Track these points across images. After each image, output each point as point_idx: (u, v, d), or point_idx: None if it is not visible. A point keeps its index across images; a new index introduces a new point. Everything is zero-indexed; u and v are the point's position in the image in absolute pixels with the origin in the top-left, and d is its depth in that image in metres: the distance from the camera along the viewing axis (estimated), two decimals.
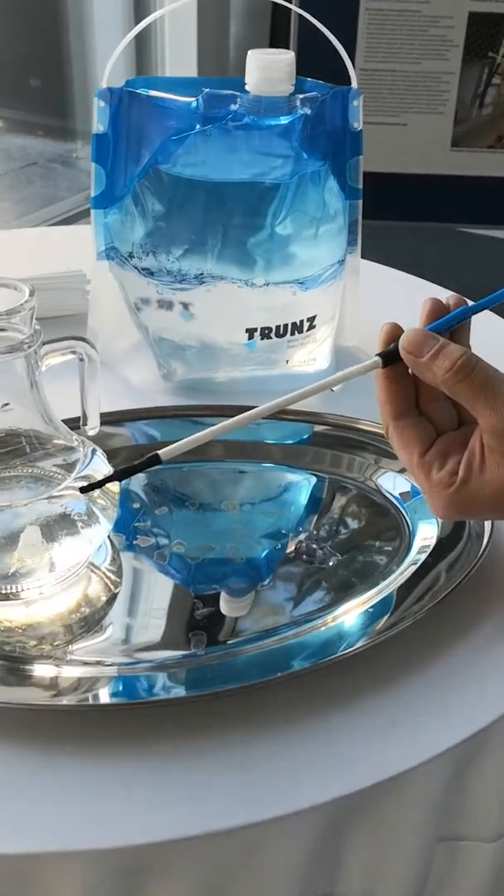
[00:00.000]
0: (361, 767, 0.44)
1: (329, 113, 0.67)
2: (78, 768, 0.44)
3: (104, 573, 0.56)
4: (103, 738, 0.45)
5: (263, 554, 0.56)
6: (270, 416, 0.62)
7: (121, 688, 0.47)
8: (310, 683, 0.47)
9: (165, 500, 0.61)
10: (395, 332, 0.47)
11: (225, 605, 0.53)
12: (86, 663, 0.48)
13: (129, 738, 0.45)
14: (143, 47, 2.17)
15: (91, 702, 0.46)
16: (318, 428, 0.64)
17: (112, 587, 0.55)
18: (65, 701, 0.46)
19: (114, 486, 0.54)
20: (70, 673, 0.48)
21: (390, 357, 0.46)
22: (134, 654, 0.49)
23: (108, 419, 0.64)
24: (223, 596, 0.53)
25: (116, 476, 0.47)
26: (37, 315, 0.80)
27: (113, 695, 0.47)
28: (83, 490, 0.48)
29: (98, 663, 0.48)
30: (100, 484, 0.48)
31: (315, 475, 0.63)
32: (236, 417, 0.46)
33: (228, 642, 0.50)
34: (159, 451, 0.45)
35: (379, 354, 0.47)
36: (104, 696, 0.47)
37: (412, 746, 0.45)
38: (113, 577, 0.56)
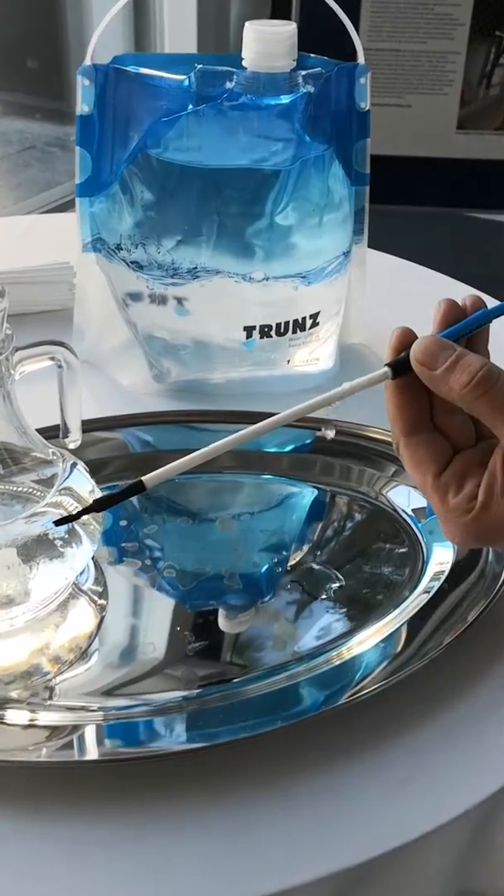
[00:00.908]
0: (372, 832, 0.39)
1: (334, 91, 0.62)
2: (48, 831, 0.39)
3: (88, 596, 0.51)
4: (80, 796, 0.40)
5: (261, 578, 0.52)
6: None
7: (103, 739, 0.42)
8: (312, 733, 0.42)
9: (155, 514, 0.56)
10: (407, 338, 0.42)
11: (219, 639, 0.48)
12: (69, 709, 0.43)
13: (105, 798, 0.40)
14: (141, 25, 2.11)
15: (76, 756, 0.41)
16: (323, 437, 0.59)
17: (97, 612, 0.50)
18: (36, 756, 0.41)
19: None
20: (48, 720, 0.43)
21: (401, 367, 0.41)
22: (118, 696, 0.45)
23: (95, 426, 0.59)
24: (221, 620, 0.49)
25: (94, 507, 0.42)
26: (20, 310, 0.76)
27: (95, 746, 0.42)
28: (57, 523, 0.43)
29: (82, 709, 0.43)
30: (76, 517, 0.43)
31: (319, 488, 0.58)
32: (225, 440, 0.41)
33: (222, 684, 0.45)
34: (143, 478, 0.40)
35: (388, 364, 0.42)
36: (89, 748, 0.42)
37: (429, 806, 0.40)
38: (99, 599, 0.51)
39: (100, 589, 0.52)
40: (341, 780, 0.41)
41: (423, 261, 0.87)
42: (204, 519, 0.56)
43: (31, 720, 0.43)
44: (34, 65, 2.86)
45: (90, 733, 0.42)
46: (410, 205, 1.51)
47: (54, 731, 0.42)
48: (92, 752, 0.42)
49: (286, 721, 0.42)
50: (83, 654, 0.47)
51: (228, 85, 0.59)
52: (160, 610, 0.51)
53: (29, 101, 2.92)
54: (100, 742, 0.42)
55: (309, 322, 0.65)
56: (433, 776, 0.41)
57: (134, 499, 0.55)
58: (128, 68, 0.61)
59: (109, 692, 0.45)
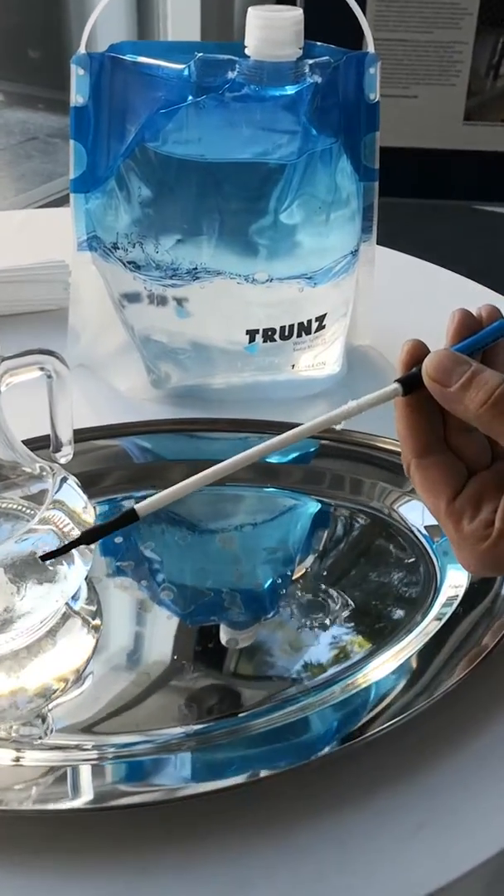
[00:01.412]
0: (382, 886, 0.36)
1: (342, 82, 0.59)
2: (33, 883, 0.36)
3: (81, 617, 0.48)
4: (69, 844, 0.37)
5: (265, 600, 0.49)
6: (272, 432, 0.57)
7: (96, 782, 0.39)
8: (316, 774, 0.39)
9: (150, 531, 0.53)
10: (418, 352, 0.39)
11: (220, 667, 0.45)
12: (58, 748, 0.40)
13: (97, 846, 0.37)
14: (144, 12, 2.07)
15: (67, 803, 0.38)
16: (329, 446, 0.56)
17: (91, 634, 0.47)
18: (22, 803, 0.38)
19: (90, 519, 0.47)
20: (36, 760, 0.40)
21: (412, 383, 0.38)
22: (113, 734, 0.42)
23: (89, 435, 0.56)
24: (223, 636, 0.46)
25: (84, 539, 0.39)
26: (12, 311, 0.74)
27: (88, 791, 0.39)
28: (44, 558, 0.40)
29: (75, 748, 0.40)
30: (61, 551, 0.40)
31: (327, 503, 0.55)
32: (221, 465, 0.38)
33: (224, 720, 0.42)
34: (136, 507, 0.37)
35: (399, 380, 0.39)
36: (82, 792, 0.39)
37: (445, 856, 0.37)
38: (93, 620, 0.48)
39: (93, 608, 0.49)
40: (348, 827, 0.38)
41: (428, 255, 0.84)
42: (204, 534, 0.53)
43: (18, 759, 0.40)
44: (36, 55, 2.83)
45: (84, 775, 0.39)
46: (415, 198, 1.50)
47: (43, 772, 0.39)
48: (84, 797, 0.39)
49: (292, 762, 0.39)
50: (77, 682, 0.45)
51: (230, 75, 0.56)
52: (158, 633, 0.48)
53: (31, 91, 2.90)
54: (92, 785, 0.39)
55: (315, 325, 0.63)
56: (450, 821, 0.38)
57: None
58: (125, 57, 0.58)
59: (103, 729, 0.42)
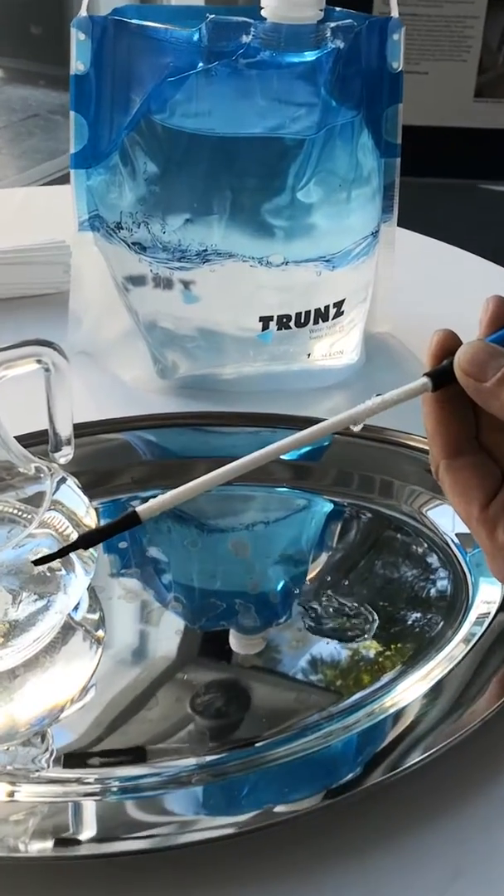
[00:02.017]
0: None
1: (364, 48, 0.56)
2: None
3: (83, 628, 0.44)
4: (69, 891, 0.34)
5: (279, 613, 0.45)
6: (286, 427, 0.53)
7: (97, 823, 0.36)
8: (338, 815, 0.36)
9: (157, 531, 0.49)
10: (449, 343, 0.36)
11: (233, 691, 0.41)
12: (56, 781, 0.37)
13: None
14: None
15: (67, 847, 0.35)
16: (350, 443, 0.52)
17: (94, 648, 0.44)
18: (14, 849, 0.34)
19: (91, 523, 0.43)
20: (32, 795, 0.36)
21: (443, 378, 0.35)
22: (117, 765, 0.38)
23: (92, 429, 0.53)
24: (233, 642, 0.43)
25: (82, 543, 0.36)
26: (11, 294, 0.70)
27: (89, 833, 0.35)
28: (37, 563, 0.37)
29: (76, 781, 0.37)
30: (59, 554, 0.37)
31: (346, 506, 0.51)
32: (230, 466, 0.34)
33: (236, 750, 0.38)
34: (138, 509, 0.34)
35: (428, 374, 0.35)
36: (83, 835, 0.35)
37: None
38: (95, 631, 0.45)
39: (95, 617, 0.46)
40: (376, 875, 0.34)
41: (435, 235, 0.82)
42: (213, 537, 0.50)
43: (12, 795, 0.36)
44: (37, 30, 2.79)
45: (84, 813, 0.36)
46: (423, 176, 1.47)
47: (40, 810, 0.36)
48: (85, 839, 0.35)
49: (314, 801, 0.35)
50: (79, 700, 0.41)
51: (245, 39, 0.52)
52: (165, 647, 0.44)
53: (32, 67, 2.86)
54: (95, 825, 0.36)
55: (332, 311, 0.59)
56: (488, 866, 0.35)
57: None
58: (130, 21, 0.55)
59: (105, 759, 0.39)
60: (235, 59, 0.52)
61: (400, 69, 0.59)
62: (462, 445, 0.36)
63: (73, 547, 0.35)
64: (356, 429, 0.35)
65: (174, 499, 0.34)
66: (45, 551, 0.39)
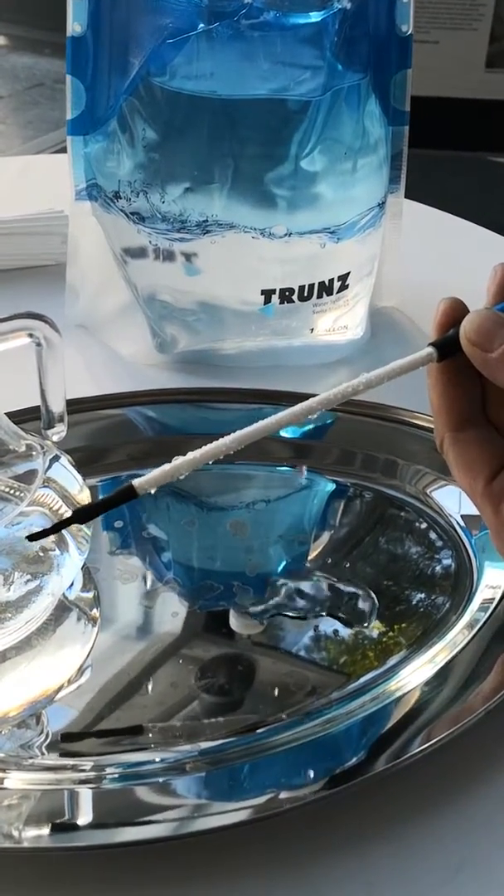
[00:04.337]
0: None
1: (372, 10, 0.54)
2: None
3: (77, 607, 0.43)
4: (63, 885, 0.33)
5: (276, 592, 0.44)
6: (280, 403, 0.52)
7: (93, 812, 0.35)
8: (339, 805, 0.35)
9: (155, 508, 0.48)
10: (456, 312, 0.35)
11: (232, 673, 0.40)
12: (50, 768, 0.36)
13: (91, 888, 0.33)
14: None
15: (61, 839, 0.34)
16: (354, 420, 0.51)
17: (89, 628, 0.43)
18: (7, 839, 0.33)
19: (85, 502, 0.42)
20: (23, 782, 0.35)
21: (448, 348, 0.34)
22: (113, 752, 0.37)
23: (87, 405, 0.52)
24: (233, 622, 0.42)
25: (77, 517, 0.35)
26: (7, 265, 0.69)
27: (84, 821, 0.35)
28: (31, 538, 0.36)
29: (71, 768, 0.36)
30: (52, 530, 0.35)
31: (348, 485, 0.50)
32: (232, 436, 0.33)
33: (231, 740, 0.37)
34: (134, 482, 0.32)
35: (433, 344, 0.34)
36: (78, 824, 0.34)
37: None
38: (90, 611, 0.44)
39: (90, 596, 0.45)
40: (373, 866, 0.33)
41: (443, 208, 0.80)
42: (212, 517, 0.49)
43: (2, 781, 0.35)
44: None
45: (83, 802, 0.35)
46: (431, 148, 1.45)
47: (33, 798, 0.35)
48: (81, 829, 0.34)
49: (314, 789, 0.34)
50: (74, 682, 0.40)
51: None
52: (162, 628, 0.43)
53: (36, 35, 2.82)
54: (90, 816, 0.35)
55: (337, 284, 0.58)
56: (494, 858, 0.34)
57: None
58: None
59: (101, 745, 0.38)
60: (237, 20, 0.50)
61: (409, 32, 0.57)
62: (468, 418, 0.35)
63: (69, 522, 0.34)
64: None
65: (174, 471, 0.33)
66: (38, 530, 0.39)
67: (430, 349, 0.34)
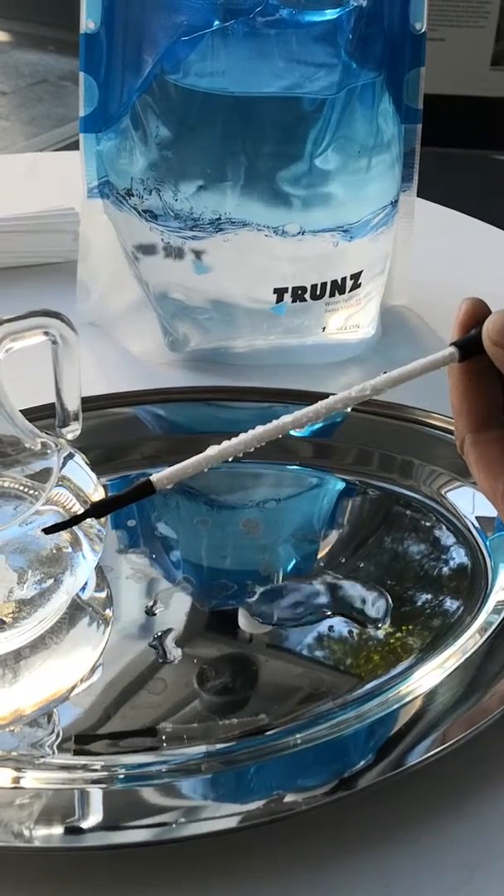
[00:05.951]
0: None
1: (387, 8, 0.54)
2: None
3: (90, 607, 0.43)
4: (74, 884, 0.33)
5: (288, 592, 0.44)
6: (300, 403, 0.52)
7: (104, 813, 0.35)
8: (354, 807, 0.35)
9: (164, 512, 0.48)
10: (478, 312, 0.34)
11: (243, 674, 0.40)
12: (61, 768, 0.36)
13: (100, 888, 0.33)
14: None
15: (73, 838, 0.34)
16: (368, 420, 0.51)
17: (102, 627, 0.43)
18: (18, 838, 0.33)
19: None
20: (36, 782, 0.35)
21: (471, 348, 0.34)
22: (124, 752, 0.37)
23: (99, 403, 0.52)
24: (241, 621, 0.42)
25: (93, 512, 0.34)
26: (17, 262, 0.69)
27: (95, 822, 0.34)
28: (47, 531, 0.35)
29: (83, 768, 0.36)
30: (68, 524, 0.35)
31: (361, 485, 0.49)
32: (249, 433, 0.33)
33: (242, 741, 0.37)
34: (153, 478, 0.32)
35: (455, 344, 0.34)
36: (89, 825, 0.34)
37: None
38: (102, 611, 0.44)
39: (102, 595, 0.44)
40: (389, 869, 0.33)
41: (451, 207, 0.79)
42: (223, 516, 0.49)
43: (17, 781, 0.35)
44: None
45: (94, 802, 0.35)
46: (436, 146, 1.45)
47: (46, 797, 0.35)
48: (90, 830, 0.34)
49: (329, 791, 0.34)
50: (85, 682, 0.40)
51: None
52: (174, 628, 0.43)
53: (41, 31, 2.82)
54: (101, 816, 0.35)
55: (349, 283, 0.57)
56: None
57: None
58: None
59: (111, 745, 0.37)
60: (253, 18, 0.50)
61: (423, 30, 0.57)
62: (489, 419, 0.35)
63: (85, 515, 0.34)
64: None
65: (193, 466, 0.32)
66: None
67: (452, 349, 0.34)
